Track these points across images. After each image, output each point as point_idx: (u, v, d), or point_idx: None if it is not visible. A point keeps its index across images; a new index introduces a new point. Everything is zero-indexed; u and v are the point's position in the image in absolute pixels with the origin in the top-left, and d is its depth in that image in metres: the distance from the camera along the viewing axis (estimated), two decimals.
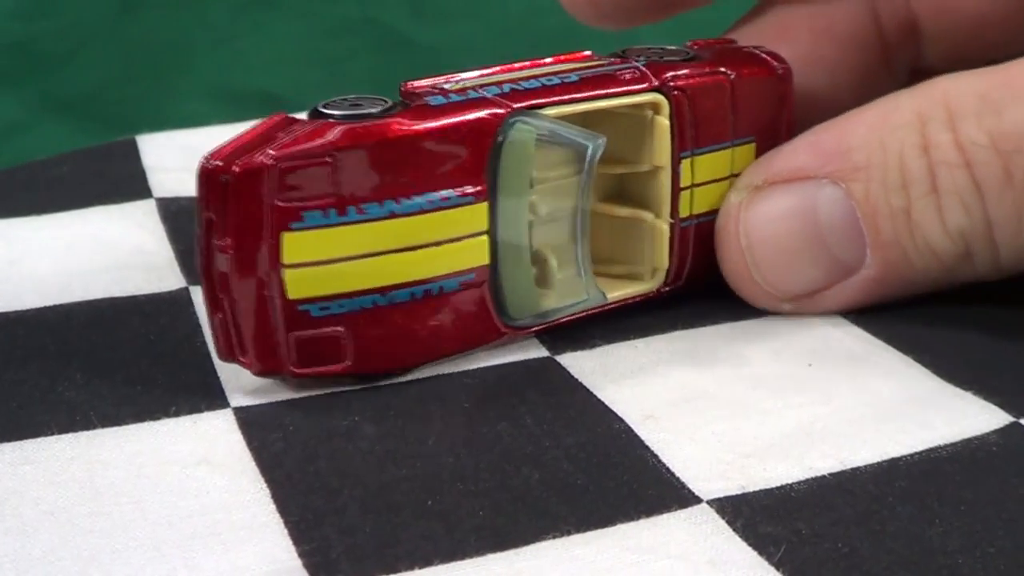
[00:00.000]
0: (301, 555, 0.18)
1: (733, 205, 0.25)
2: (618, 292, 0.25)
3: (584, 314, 0.24)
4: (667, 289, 0.25)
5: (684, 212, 0.25)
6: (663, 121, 0.24)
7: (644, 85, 0.24)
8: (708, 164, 0.25)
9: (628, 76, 0.24)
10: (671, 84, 0.24)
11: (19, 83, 0.38)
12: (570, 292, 0.24)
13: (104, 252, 0.28)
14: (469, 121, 0.22)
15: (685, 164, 0.25)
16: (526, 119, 0.22)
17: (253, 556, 0.18)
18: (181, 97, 0.37)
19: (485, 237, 0.22)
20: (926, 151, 0.23)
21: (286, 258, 0.21)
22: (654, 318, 0.25)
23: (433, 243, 0.22)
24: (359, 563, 0.18)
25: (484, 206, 0.22)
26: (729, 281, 0.25)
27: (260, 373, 0.22)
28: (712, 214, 0.25)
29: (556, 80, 0.23)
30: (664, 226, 0.25)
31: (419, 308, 0.22)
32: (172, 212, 0.30)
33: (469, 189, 0.22)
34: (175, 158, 0.33)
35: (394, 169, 0.21)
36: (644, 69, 0.24)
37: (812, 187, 0.24)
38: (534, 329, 0.24)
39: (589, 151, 0.23)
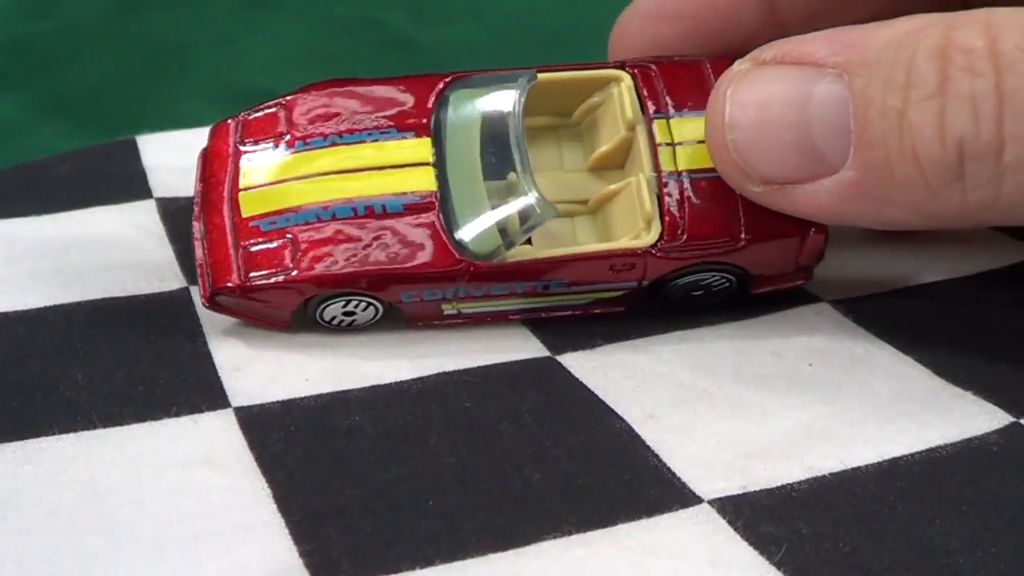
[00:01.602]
0: (302, 555, 0.18)
1: (733, 71, 0.24)
2: (605, 245, 0.24)
3: (564, 257, 0.24)
4: (665, 246, 0.24)
5: (668, 166, 0.25)
6: (624, 88, 0.25)
7: (605, 65, 0.26)
8: (691, 126, 0.25)
9: (598, 64, 0.26)
10: (628, 65, 0.26)
11: (19, 83, 0.38)
12: (522, 210, 0.24)
13: (104, 252, 0.28)
14: (412, 78, 0.25)
15: (660, 124, 0.25)
16: (467, 81, 0.25)
17: (254, 556, 0.18)
18: (181, 97, 0.37)
19: (429, 168, 0.24)
20: (942, 54, 0.21)
21: (242, 183, 0.25)
22: (655, 318, 0.25)
23: (373, 167, 0.24)
24: (360, 563, 0.18)
25: (426, 141, 0.24)
26: (708, 147, 0.24)
27: (213, 295, 0.24)
28: (706, 171, 0.25)
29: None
30: (643, 177, 0.25)
31: (362, 223, 0.24)
32: (172, 212, 0.30)
33: (411, 127, 0.25)
34: (175, 158, 0.32)
35: (338, 111, 0.25)
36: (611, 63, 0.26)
37: (813, 73, 0.23)
38: (495, 261, 0.24)
39: (521, 80, 0.25)
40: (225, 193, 0.25)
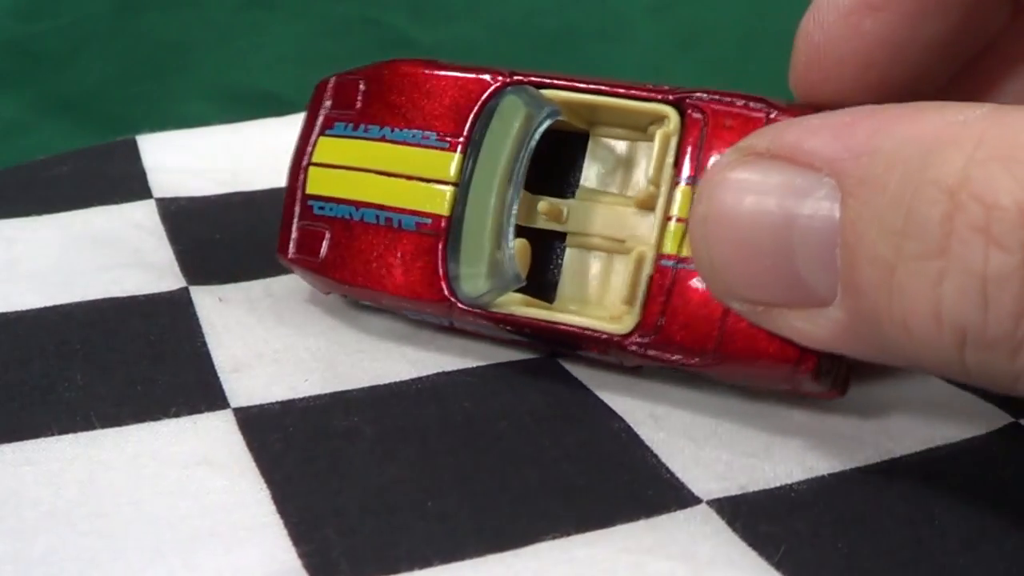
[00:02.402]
0: (301, 556, 0.18)
1: (720, 163, 0.19)
2: (582, 320, 0.22)
3: (541, 324, 0.22)
4: (637, 340, 0.21)
5: (670, 248, 0.21)
6: (661, 134, 0.22)
7: (659, 96, 0.22)
8: None
9: (649, 88, 0.22)
10: (687, 101, 0.22)
11: (19, 83, 0.38)
12: (494, 271, 0.23)
13: (104, 252, 0.28)
14: (468, 78, 0.23)
15: (684, 192, 0.21)
16: (516, 91, 0.23)
17: (253, 557, 0.18)
18: (181, 97, 0.37)
19: (449, 188, 0.23)
20: (952, 196, 0.16)
21: (315, 156, 0.24)
22: None
23: (403, 175, 0.23)
24: (359, 564, 0.18)
25: (456, 156, 0.23)
26: (690, 247, 0.20)
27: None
28: None
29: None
30: (647, 251, 0.21)
31: (378, 233, 0.23)
32: (172, 212, 0.30)
33: (448, 136, 0.23)
34: (175, 158, 0.32)
35: (403, 100, 0.24)
36: (670, 89, 0.22)
37: (806, 182, 0.18)
38: (472, 311, 0.23)
39: (540, 115, 0.23)
40: (304, 160, 0.25)
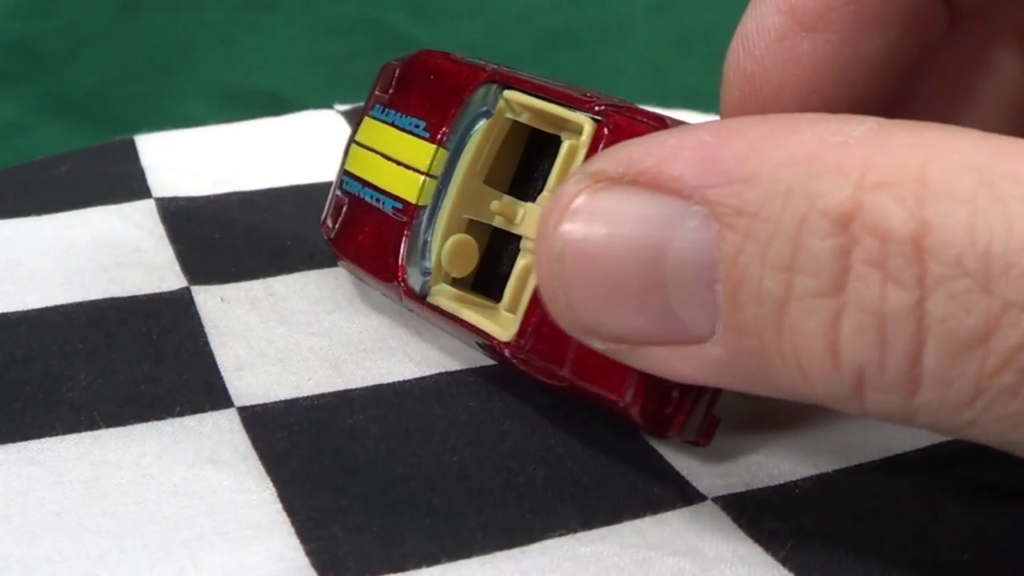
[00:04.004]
0: (308, 553, 0.18)
1: (568, 192, 0.17)
2: (482, 321, 0.21)
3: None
4: (514, 349, 0.21)
5: None
6: (572, 144, 0.21)
7: (587, 107, 0.21)
8: None
9: (586, 96, 0.21)
10: (608, 114, 0.20)
11: (19, 83, 0.38)
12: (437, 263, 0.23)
13: (104, 252, 0.28)
14: (461, 72, 0.23)
15: None
16: (487, 88, 0.23)
17: (260, 555, 0.18)
18: (181, 97, 0.37)
19: (421, 177, 0.23)
20: (845, 228, 0.15)
21: (358, 135, 0.25)
22: None
23: (395, 160, 0.24)
24: (366, 561, 0.18)
25: (432, 148, 0.23)
26: (540, 288, 0.18)
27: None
28: None
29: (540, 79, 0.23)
30: (530, 264, 0.20)
31: (369, 212, 0.24)
32: (171, 212, 0.30)
33: (431, 127, 0.23)
34: (175, 158, 0.32)
35: (412, 89, 0.24)
36: (603, 99, 0.21)
37: (674, 211, 0.16)
38: (416, 299, 0.23)
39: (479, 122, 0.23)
40: (352, 137, 0.25)
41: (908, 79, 0.21)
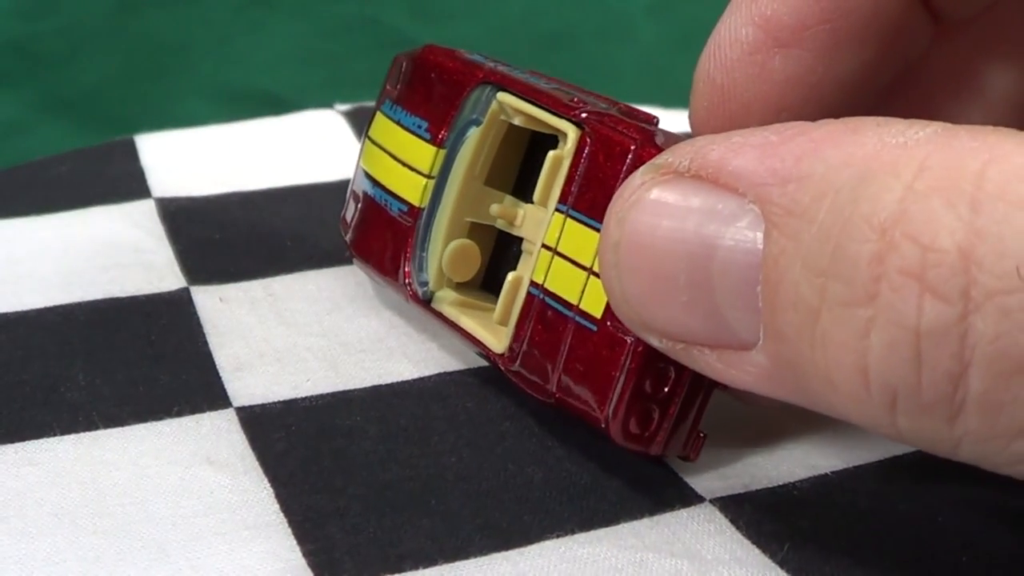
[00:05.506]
0: (305, 554, 0.18)
1: (633, 183, 0.17)
2: (480, 331, 0.21)
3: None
4: (507, 362, 0.20)
5: (539, 275, 0.20)
6: (557, 154, 0.20)
7: (571, 112, 0.20)
8: (576, 238, 0.19)
9: (574, 102, 0.20)
10: (589, 123, 0.20)
11: (19, 83, 0.38)
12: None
13: (104, 252, 0.28)
14: (461, 71, 0.23)
15: (557, 219, 0.20)
16: (481, 90, 0.22)
17: (258, 556, 0.18)
18: (181, 97, 0.37)
19: (424, 180, 0.23)
20: (885, 235, 0.14)
21: (371, 131, 0.25)
22: None
23: (400, 160, 0.24)
24: (363, 562, 0.18)
25: (433, 150, 0.23)
26: (601, 274, 0.18)
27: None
28: (559, 300, 0.19)
29: (535, 81, 0.22)
30: (519, 278, 0.20)
31: (374, 208, 0.24)
32: (171, 212, 0.30)
33: (432, 128, 0.23)
34: (174, 158, 0.32)
35: (416, 85, 0.24)
36: (593, 108, 0.20)
37: (730, 207, 0.16)
38: (420, 302, 0.23)
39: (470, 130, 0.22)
40: (367, 131, 0.25)
41: (886, 95, 0.20)
